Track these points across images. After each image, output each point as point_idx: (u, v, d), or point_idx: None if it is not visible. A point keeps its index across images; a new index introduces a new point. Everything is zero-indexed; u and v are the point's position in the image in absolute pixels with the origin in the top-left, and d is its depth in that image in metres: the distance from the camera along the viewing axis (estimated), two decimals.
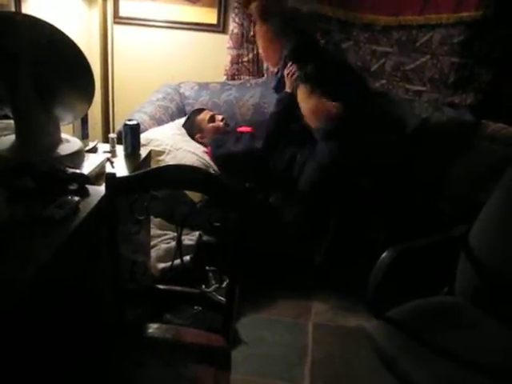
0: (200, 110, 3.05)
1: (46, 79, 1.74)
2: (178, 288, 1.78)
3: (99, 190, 1.73)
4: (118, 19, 3.39)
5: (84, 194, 1.71)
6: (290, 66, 2.85)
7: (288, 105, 2.82)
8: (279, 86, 2.97)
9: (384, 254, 1.87)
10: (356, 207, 2.59)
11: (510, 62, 3.16)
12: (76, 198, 1.63)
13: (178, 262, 2.39)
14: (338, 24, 3.23)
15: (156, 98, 3.14)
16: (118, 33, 3.41)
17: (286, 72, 2.86)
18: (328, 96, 2.71)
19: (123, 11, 3.39)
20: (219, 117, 3.01)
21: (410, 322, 1.84)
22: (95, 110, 3.17)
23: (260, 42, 3.13)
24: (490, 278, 2.00)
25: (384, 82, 3.31)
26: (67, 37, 1.70)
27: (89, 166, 1.90)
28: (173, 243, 2.50)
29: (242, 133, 2.92)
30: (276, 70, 3.09)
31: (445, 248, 2.22)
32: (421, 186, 2.68)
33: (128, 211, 1.85)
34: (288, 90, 2.85)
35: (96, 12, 3.06)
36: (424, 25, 3.15)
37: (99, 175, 1.89)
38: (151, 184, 1.70)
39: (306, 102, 2.76)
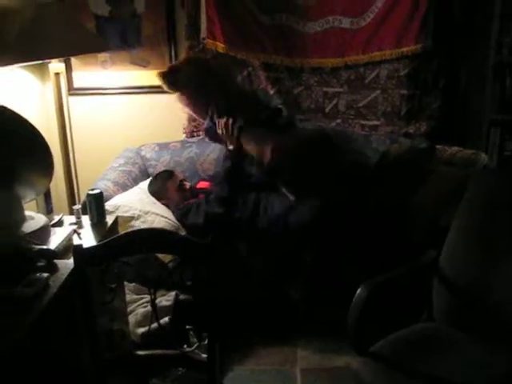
0: (169, 175, 3.04)
1: (2, 159, 1.75)
2: (158, 351, 1.77)
3: (68, 264, 1.72)
4: (73, 91, 3.44)
5: (53, 269, 1.70)
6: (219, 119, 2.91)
7: (235, 161, 2.86)
8: (210, 130, 3.04)
9: (358, 291, 1.89)
10: (328, 243, 2.61)
11: (456, 88, 3.31)
12: (45, 275, 1.63)
13: (157, 324, 2.40)
14: (286, 71, 3.34)
15: (118, 163, 3.16)
16: (74, 104, 3.45)
17: (219, 131, 2.91)
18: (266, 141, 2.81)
19: (77, 82, 3.45)
20: (187, 184, 3.02)
21: (393, 354, 1.85)
22: (59, 183, 3.17)
23: (183, 106, 3.20)
24: (464, 299, 2.04)
25: (339, 121, 3.41)
26: (18, 115, 1.73)
27: (55, 240, 1.90)
28: (149, 307, 2.48)
29: (201, 192, 2.97)
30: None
31: (419, 274, 2.26)
32: (388, 217, 2.72)
33: (99, 281, 1.85)
34: (230, 145, 2.89)
35: (50, 86, 3.10)
36: (370, 62, 3.28)
37: (67, 248, 1.88)
38: (119, 251, 1.70)
39: (251, 149, 2.85)
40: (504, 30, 3.18)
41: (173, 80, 3.02)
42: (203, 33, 3.26)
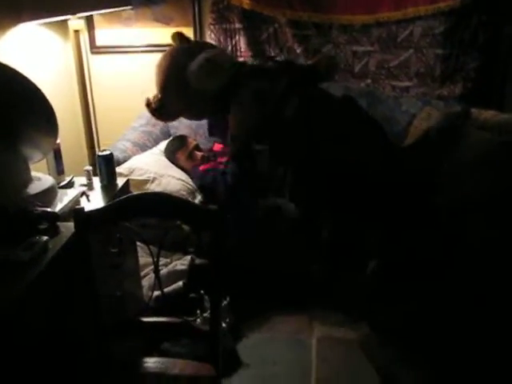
0: (181, 143, 2.97)
1: (7, 119, 1.70)
2: (162, 319, 1.72)
3: (71, 227, 1.68)
4: (95, 49, 3.39)
5: (55, 232, 1.67)
6: None
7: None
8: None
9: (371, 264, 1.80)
10: (347, 215, 2.50)
11: (496, 47, 3.09)
12: (44, 238, 1.59)
13: (171, 288, 2.37)
14: (314, 28, 3.19)
15: (139, 123, 3.11)
16: (96, 62, 3.40)
17: None
18: None
19: (99, 40, 3.38)
20: (198, 154, 2.93)
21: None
22: (81, 144, 3.14)
23: None
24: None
25: (369, 81, 3.25)
26: (21, 74, 1.67)
27: (62, 202, 1.86)
28: (165, 270, 2.45)
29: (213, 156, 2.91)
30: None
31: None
32: (414, 184, 2.59)
33: (105, 244, 1.81)
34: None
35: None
36: (403, 19, 3.09)
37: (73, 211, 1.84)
38: (122, 215, 1.65)
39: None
40: None
41: (164, 115, 2.87)
42: None
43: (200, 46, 2.92)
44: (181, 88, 2.67)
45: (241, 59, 3.28)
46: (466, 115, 2.87)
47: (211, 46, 3.00)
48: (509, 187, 2.02)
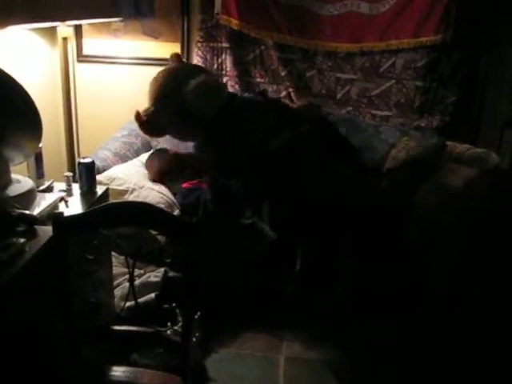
0: (160, 155, 2.99)
1: None
2: (133, 328, 1.72)
3: (48, 231, 1.68)
4: (82, 57, 3.40)
5: (32, 234, 1.66)
6: None
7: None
8: None
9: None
10: (322, 238, 2.53)
11: (474, 83, 3.19)
12: (22, 240, 1.59)
13: (143, 299, 2.36)
14: (300, 53, 3.26)
15: (121, 134, 3.12)
16: (82, 71, 3.41)
17: None
18: None
19: (87, 49, 3.40)
20: None
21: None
22: (61, 150, 3.13)
23: None
24: None
25: (350, 108, 3.32)
26: (10, 77, 1.68)
27: (40, 206, 1.86)
28: (138, 281, 2.44)
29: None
30: None
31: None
32: (388, 212, 2.64)
33: (81, 250, 1.81)
34: None
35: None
36: (386, 50, 3.18)
37: (52, 215, 1.84)
38: (100, 222, 1.65)
39: None
40: None
41: (152, 129, 2.84)
42: (217, 8, 3.19)
43: (198, 69, 2.99)
44: (175, 103, 2.68)
45: (226, 78, 3.33)
46: (441, 147, 2.96)
47: (208, 71, 3.06)
48: (487, 214, 2.07)
